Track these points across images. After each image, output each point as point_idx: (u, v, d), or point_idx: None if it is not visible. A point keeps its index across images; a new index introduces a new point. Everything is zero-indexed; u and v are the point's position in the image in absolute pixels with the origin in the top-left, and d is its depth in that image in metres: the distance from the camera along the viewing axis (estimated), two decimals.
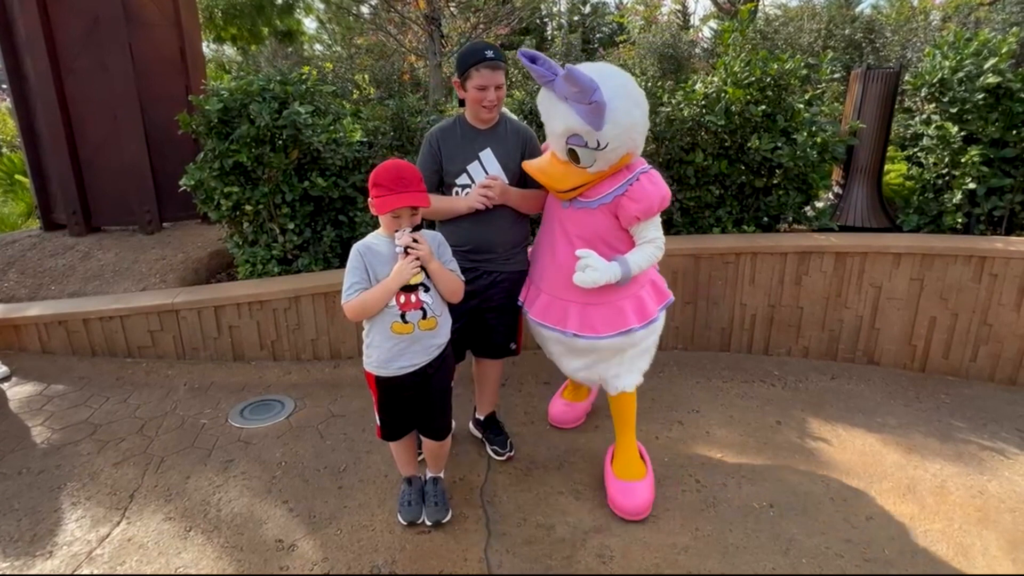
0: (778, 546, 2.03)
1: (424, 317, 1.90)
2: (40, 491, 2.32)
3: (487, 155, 2.15)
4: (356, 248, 1.88)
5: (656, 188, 1.99)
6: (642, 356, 2.24)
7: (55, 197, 4.43)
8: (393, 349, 1.91)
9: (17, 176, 6.41)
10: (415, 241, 1.81)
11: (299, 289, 3.28)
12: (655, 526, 2.12)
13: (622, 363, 2.21)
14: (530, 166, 2.11)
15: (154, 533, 2.10)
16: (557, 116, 1.93)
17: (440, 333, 1.97)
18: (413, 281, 1.85)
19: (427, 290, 1.91)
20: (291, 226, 3.45)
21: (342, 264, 3.63)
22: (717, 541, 2.05)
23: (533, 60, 1.91)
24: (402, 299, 1.87)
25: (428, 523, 2.11)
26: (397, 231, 1.82)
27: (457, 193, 2.21)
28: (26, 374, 3.21)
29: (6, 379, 3.15)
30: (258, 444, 2.62)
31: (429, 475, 2.22)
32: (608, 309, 2.09)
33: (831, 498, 2.27)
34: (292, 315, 3.32)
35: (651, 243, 2.07)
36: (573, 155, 1.96)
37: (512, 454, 2.49)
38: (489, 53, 2.05)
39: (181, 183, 3.40)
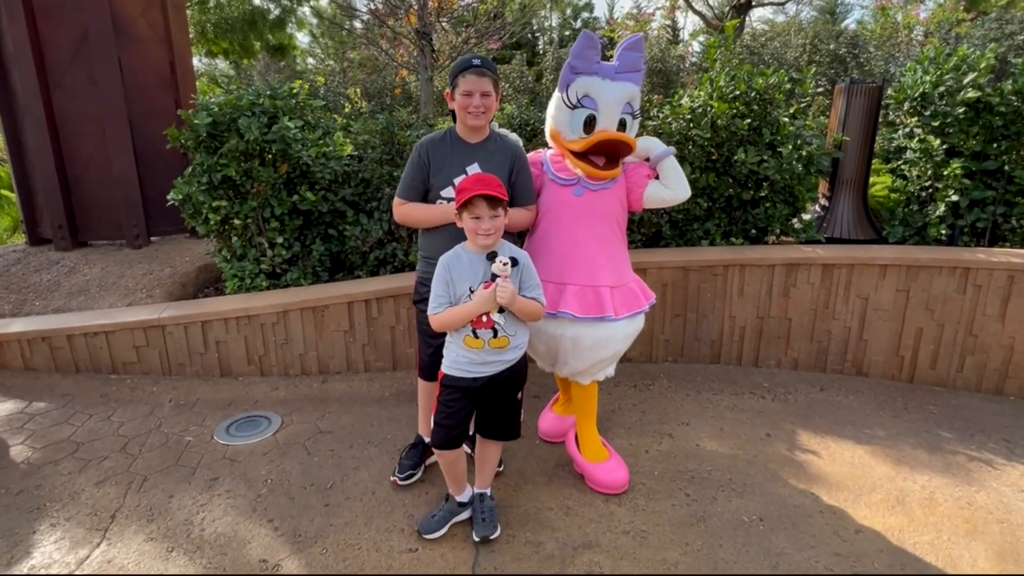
0: (768, 561, 2.02)
1: (495, 336, 1.93)
2: (19, 512, 2.27)
3: (475, 170, 2.16)
4: (442, 259, 1.96)
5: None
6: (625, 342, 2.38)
7: (41, 211, 4.39)
8: (463, 357, 1.97)
9: (3, 191, 6.36)
10: (506, 277, 1.86)
11: (287, 303, 3.26)
12: (644, 541, 2.10)
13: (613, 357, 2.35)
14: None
15: (135, 554, 2.06)
16: (612, 91, 2.17)
17: (511, 351, 1.99)
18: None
19: (501, 311, 1.92)
20: (280, 240, 3.44)
21: (331, 278, 3.63)
22: (707, 556, 2.04)
23: (593, 44, 2.16)
24: (475, 317, 1.91)
25: (476, 538, 2.08)
26: (500, 258, 1.86)
27: (441, 204, 2.22)
28: (7, 391, 3.15)
29: None
30: (244, 461, 2.59)
31: (476, 491, 2.20)
32: (626, 291, 2.27)
33: (821, 511, 2.26)
34: (280, 330, 3.30)
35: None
36: (620, 129, 2.21)
37: (501, 469, 2.47)
38: (476, 61, 2.11)
39: (169, 197, 3.38)
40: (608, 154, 2.22)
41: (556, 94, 2.27)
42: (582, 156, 2.22)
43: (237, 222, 3.36)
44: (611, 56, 2.25)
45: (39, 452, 2.65)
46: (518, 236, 2.56)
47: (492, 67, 2.13)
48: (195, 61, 13.31)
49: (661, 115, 3.62)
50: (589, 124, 2.20)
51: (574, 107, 2.21)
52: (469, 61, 2.11)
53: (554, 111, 2.29)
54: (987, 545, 2.09)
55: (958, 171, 3.39)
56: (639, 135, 2.40)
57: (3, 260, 4.20)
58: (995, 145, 3.39)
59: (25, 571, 1.99)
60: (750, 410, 3.00)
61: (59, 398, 3.10)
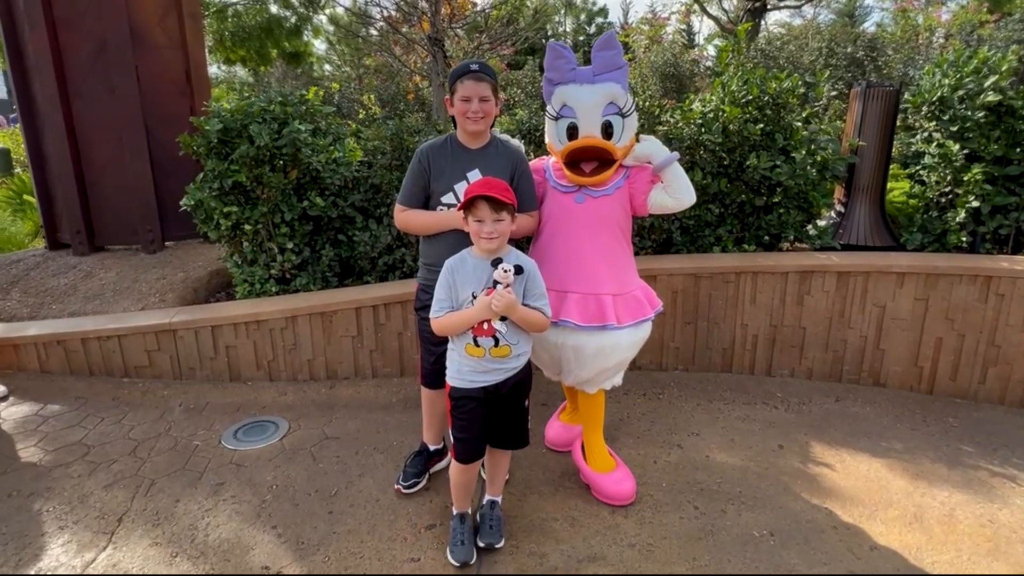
0: None
1: (496, 345, 1.90)
2: (28, 514, 2.30)
3: (475, 176, 2.14)
4: (447, 263, 1.95)
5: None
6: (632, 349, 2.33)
7: (60, 216, 4.48)
8: (466, 365, 1.95)
9: (26, 196, 6.50)
10: (507, 286, 1.83)
11: (296, 309, 3.27)
12: (651, 555, 2.06)
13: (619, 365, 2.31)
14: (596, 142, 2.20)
15: (139, 559, 2.07)
16: (589, 96, 2.15)
17: (513, 359, 1.95)
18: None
19: (503, 319, 1.89)
20: (290, 245, 3.46)
21: (340, 283, 3.64)
22: (715, 572, 1.99)
23: (560, 54, 2.17)
24: (475, 324, 1.88)
25: (481, 544, 2.06)
26: (503, 264, 1.82)
27: (442, 211, 2.21)
28: (23, 394, 3.21)
29: (4, 399, 3.15)
30: (250, 467, 2.59)
31: (487, 498, 2.18)
32: (629, 299, 2.23)
33: (834, 526, 2.20)
34: (289, 335, 3.31)
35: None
36: (607, 131, 2.16)
37: (507, 478, 2.44)
38: (474, 66, 2.10)
39: (181, 203, 3.42)
40: (596, 159, 2.19)
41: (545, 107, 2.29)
42: (569, 165, 2.21)
43: (248, 227, 3.39)
44: (629, 58, 2.25)
45: (51, 454, 2.68)
46: (526, 243, 2.54)
47: (490, 72, 2.12)
48: (214, 69, 13.56)
49: (672, 120, 3.58)
50: (572, 132, 2.19)
51: (556, 118, 2.22)
52: (467, 66, 2.10)
53: (545, 123, 2.31)
54: (1010, 566, 2.01)
55: (979, 176, 3.30)
56: (640, 135, 2.35)
57: (23, 264, 4.29)
58: (1018, 150, 3.29)
59: (32, 573, 2.00)
60: (762, 421, 2.94)
61: (72, 401, 3.14)
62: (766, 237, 3.60)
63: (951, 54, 3.59)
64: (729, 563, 2.02)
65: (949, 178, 3.48)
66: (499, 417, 2.01)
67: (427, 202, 2.22)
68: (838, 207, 3.99)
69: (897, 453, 2.67)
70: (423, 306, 2.17)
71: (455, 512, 2.12)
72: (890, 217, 3.98)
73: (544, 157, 2.45)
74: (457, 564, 2.00)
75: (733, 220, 3.61)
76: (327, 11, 11.75)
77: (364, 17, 10.10)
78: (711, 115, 3.50)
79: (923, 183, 3.69)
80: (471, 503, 2.16)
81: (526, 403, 2.08)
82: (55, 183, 4.40)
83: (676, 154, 2.18)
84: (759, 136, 3.42)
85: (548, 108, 2.26)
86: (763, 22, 11.59)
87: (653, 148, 2.23)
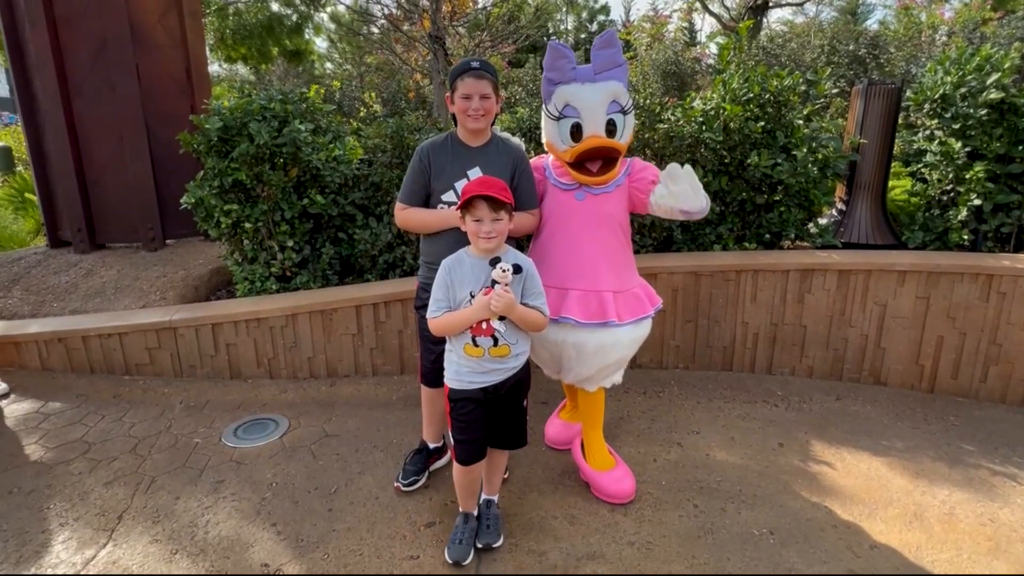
0: None
1: (495, 344, 1.90)
2: (29, 511, 2.30)
3: (476, 174, 2.14)
4: (444, 262, 1.94)
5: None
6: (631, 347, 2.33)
7: (61, 215, 4.48)
8: (465, 366, 1.94)
9: (27, 194, 6.52)
10: (506, 285, 1.81)
11: (296, 307, 3.27)
12: (650, 553, 2.06)
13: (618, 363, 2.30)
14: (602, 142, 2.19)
15: (139, 556, 2.07)
16: (592, 95, 2.14)
17: (512, 359, 1.95)
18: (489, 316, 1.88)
19: (501, 318, 1.88)
20: (290, 243, 3.46)
21: (341, 281, 3.64)
22: (714, 570, 1.98)
23: (561, 53, 2.16)
24: (473, 323, 1.88)
25: (479, 545, 2.06)
26: (501, 264, 1.81)
27: (442, 209, 2.20)
28: (25, 391, 3.22)
29: (5, 396, 3.16)
30: (250, 464, 2.60)
31: (484, 498, 2.18)
32: (630, 296, 2.23)
33: (834, 525, 2.19)
34: (289, 333, 3.31)
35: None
36: (611, 129, 2.16)
37: (507, 476, 2.44)
38: (474, 64, 2.10)
39: (182, 201, 3.43)
40: (603, 158, 2.19)
41: (544, 108, 2.26)
42: (575, 165, 2.20)
43: (248, 225, 3.39)
44: (630, 56, 2.24)
45: (52, 452, 2.69)
46: (526, 241, 2.53)
47: (491, 70, 2.11)
48: (215, 67, 13.56)
49: (673, 118, 3.57)
50: (576, 132, 2.17)
51: (558, 118, 2.20)
52: (468, 64, 2.09)
53: (544, 124, 2.28)
54: (1010, 565, 2.01)
55: (981, 174, 3.28)
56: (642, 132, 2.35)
57: (25, 262, 4.29)
58: (1020, 148, 3.28)
59: (32, 571, 2.01)
60: (762, 419, 2.93)
61: (74, 398, 3.15)
62: (767, 235, 3.59)
63: (954, 52, 3.58)
64: (728, 562, 2.02)
65: (951, 176, 3.47)
66: (497, 417, 2.01)
67: (428, 200, 2.22)
68: (839, 205, 3.98)
69: (898, 452, 2.66)
70: (423, 304, 2.16)
71: (460, 511, 2.13)
72: (891, 215, 3.97)
73: (544, 155, 2.44)
74: (450, 562, 2.00)
75: (734, 218, 3.60)
76: (328, 9, 11.76)
77: (365, 15, 10.10)
78: (712, 113, 3.49)
79: (925, 181, 3.68)
80: (477, 503, 2.16)
81: (524, 403, 2.08)
82: (56, 181, 4.40)
83: (706, 201, 2.16)
84: (760, 134, 3.41)
85: (548, 108, 2.24)
86: (765, 20, 11.57)
87: (687, 189, 2.13)
